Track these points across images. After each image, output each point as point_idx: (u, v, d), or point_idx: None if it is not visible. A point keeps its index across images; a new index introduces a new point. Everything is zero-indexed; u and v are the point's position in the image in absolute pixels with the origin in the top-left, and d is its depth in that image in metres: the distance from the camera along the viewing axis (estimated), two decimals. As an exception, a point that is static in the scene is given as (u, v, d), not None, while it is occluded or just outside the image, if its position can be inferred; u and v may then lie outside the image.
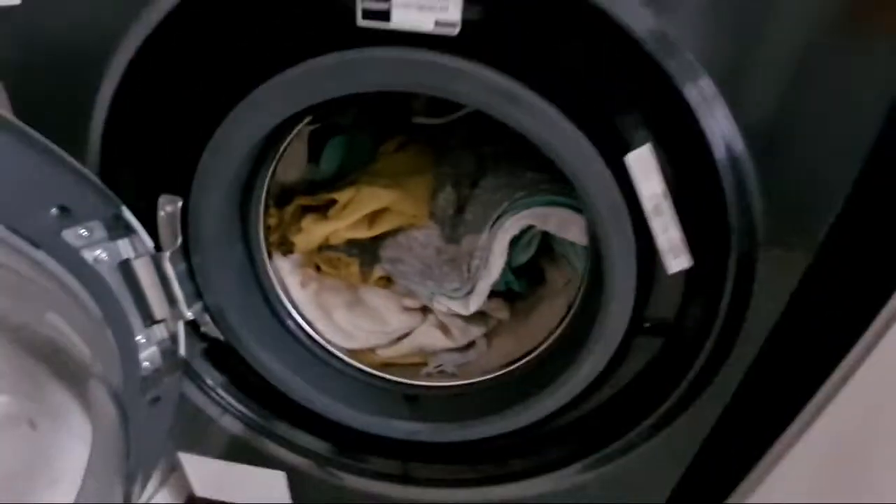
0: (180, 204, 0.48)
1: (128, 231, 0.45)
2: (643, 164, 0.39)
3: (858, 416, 0.46)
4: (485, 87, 0.38)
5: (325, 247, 0.66)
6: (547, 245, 0.65)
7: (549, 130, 0.39)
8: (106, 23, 0.40)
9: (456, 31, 0.37)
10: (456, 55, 0.37)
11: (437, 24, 0.37)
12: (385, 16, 0.37)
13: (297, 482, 0.71)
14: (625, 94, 0.40)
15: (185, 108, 0.46)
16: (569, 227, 0.56)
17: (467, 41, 0.37)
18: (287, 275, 0.61)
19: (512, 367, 0.64)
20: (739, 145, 0.37)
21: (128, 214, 0.44)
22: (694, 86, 0.35)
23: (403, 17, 0.37)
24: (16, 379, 0.43)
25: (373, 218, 0.62)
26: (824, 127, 0.36)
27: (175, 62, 0.43)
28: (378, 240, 0.67)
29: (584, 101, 0.40)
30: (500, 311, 0.68)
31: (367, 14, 0.38)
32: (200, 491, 0.78)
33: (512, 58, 0.38)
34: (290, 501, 0.74)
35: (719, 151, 0.37)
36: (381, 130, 0.75)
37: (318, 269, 0.66)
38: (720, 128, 0.37)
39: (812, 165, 0.38)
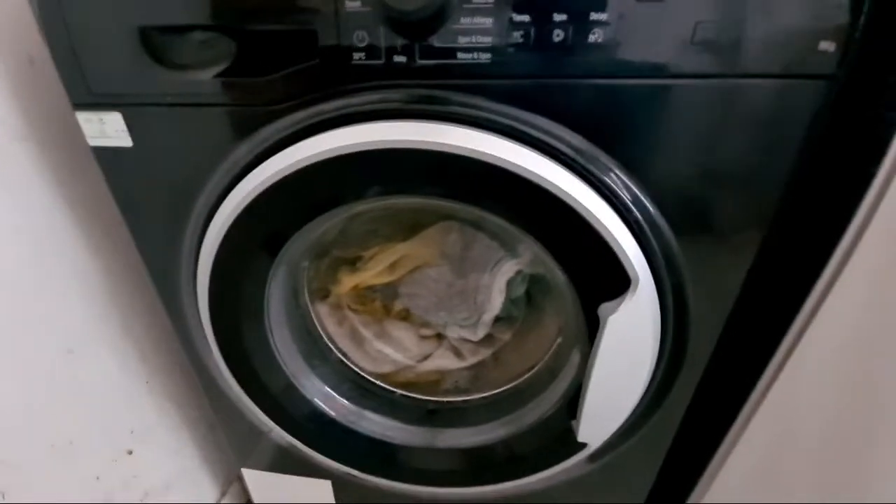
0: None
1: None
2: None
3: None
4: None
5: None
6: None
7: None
8: (194, 164, 0.53)
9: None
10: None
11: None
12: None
13: (339, 488, 0.84)
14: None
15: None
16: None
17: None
18: (326, 317, 0.74)
19: (518, 381, 0.76)
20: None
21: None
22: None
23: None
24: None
25: (393, 263, 0.74)
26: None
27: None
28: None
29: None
30: (504, 334, 0.80)
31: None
32: (257, 498, 0.91)
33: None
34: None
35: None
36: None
37: (349, 307, 0.78)
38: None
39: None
